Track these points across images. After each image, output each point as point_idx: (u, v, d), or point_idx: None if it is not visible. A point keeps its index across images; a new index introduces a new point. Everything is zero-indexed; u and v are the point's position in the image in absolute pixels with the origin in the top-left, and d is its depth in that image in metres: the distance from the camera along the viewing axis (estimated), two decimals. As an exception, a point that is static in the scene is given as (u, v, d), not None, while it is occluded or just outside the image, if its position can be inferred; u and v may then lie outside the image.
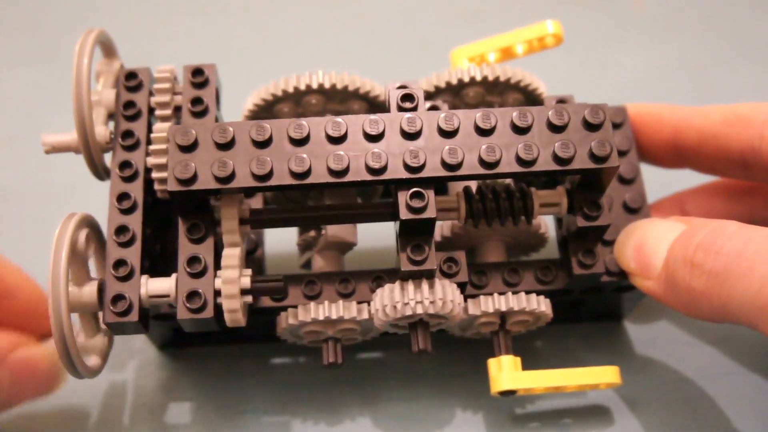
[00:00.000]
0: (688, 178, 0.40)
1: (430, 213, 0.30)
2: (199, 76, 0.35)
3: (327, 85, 0.35)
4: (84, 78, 0.33)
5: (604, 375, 0.33)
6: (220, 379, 0.39)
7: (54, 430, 0.38)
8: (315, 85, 0.35)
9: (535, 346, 0.40)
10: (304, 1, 0.54)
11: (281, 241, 0.41)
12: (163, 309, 0.34)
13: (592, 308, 0.39)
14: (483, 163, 0.30)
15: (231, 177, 0.30)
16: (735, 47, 0.51)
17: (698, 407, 0.38)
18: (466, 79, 0.35)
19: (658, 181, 0.40)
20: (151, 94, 0.35)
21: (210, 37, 0.53)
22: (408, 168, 0.30)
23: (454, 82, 0.35)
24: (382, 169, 0.30)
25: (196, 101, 0.34)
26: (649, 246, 0.32)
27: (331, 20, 0.53)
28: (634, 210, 0.36)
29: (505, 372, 0.33)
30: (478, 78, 0.35)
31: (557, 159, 0.31)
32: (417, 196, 0.30)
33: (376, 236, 0.39)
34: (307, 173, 0.30)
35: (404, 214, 0.30)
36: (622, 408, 0.38)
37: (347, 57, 0.51)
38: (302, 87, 0.35)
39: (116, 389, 0.39)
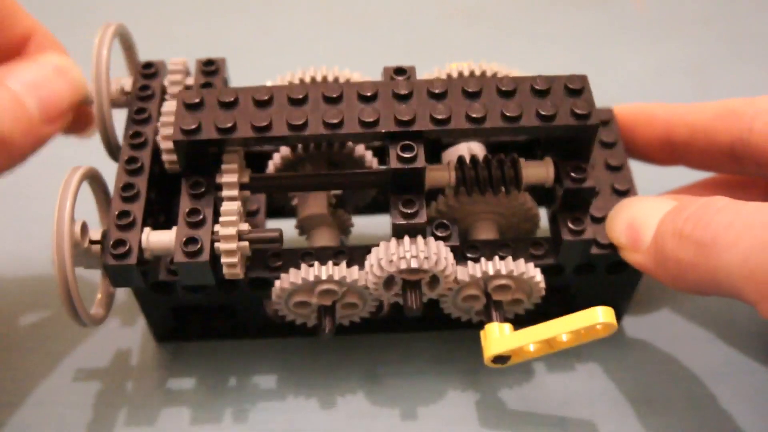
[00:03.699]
0: (685, 177, 0.41)
1: (419, 163, 0.32)
2: (209, 66, 0.38)
3: (319, 80, 0.38)
4: (103, 68, 0.36)
5: (596, 316, 0.31)
6: (219, 374, 0.39)
7: (53, 428, 0.37)
8: (308, 80, 0.38)
9: (533, 347, 0.40)
10: (304, 2, 0.57)
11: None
12: (162, 275, 0.35)
13: (588, 301, 0.39)
14: (470, 118, 0.32)
15: (232, 129, 0.32)
16: (735, 47, 0.52)
17: (699, 405, 0.37)
18: (456, 76, 0.38)
19: (652, 179, 0.41)
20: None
21: (213, 37, 0.55)
22: (398, 122, 0.32)
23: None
24: (374, 123, 0.32)
25: (206, 86, 0.37)
26: (640, 220, 0.33)
27: (331, 20, 0.56)
28: (623, 192, 0.37)
29: (495, 336, 0.33)
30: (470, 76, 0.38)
31: (540, 116, 0.32)
32: (407, 148, 0.32)
33: (375, 230, 0.40)
34: (303, 125, 0.32)
35: (395, 164, 0.32)
36: (621, 406, 0.37)
37: (347, 57, 0.52)
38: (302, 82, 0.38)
39: (115, 385, 0.39)
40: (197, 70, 0.38)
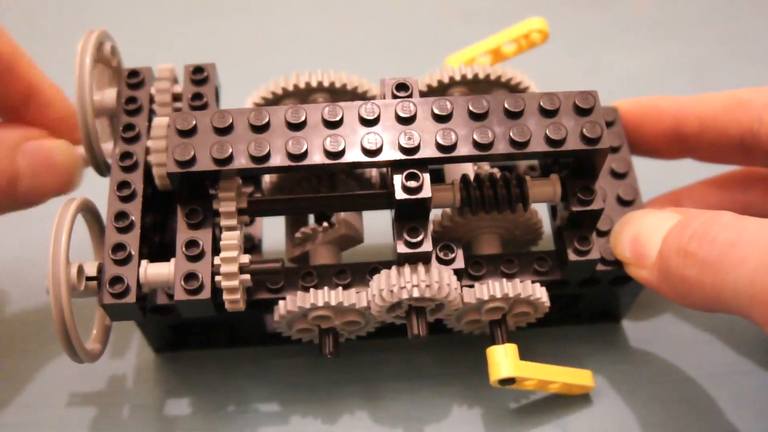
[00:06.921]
0: (684, 175, 0.40)
1: (425, 193, 0.31)
2: (199, 74, 0.36)
3: (326, 84, 0.36)
4: (86, 76, 0.34)
5: (588, 379, 0.36)
6: (218, 381, 0.39)
7: (53, 429, 0.37)
8: (314, 84, 0.36)
9: (534, 348, 0.40)
10: (303, 2, 0.55)
11: (279, 243, 0.41)
12: (160, 300, 0.34)
13: (590, 306, 0.39)
14: (477, 144, 0.31)
15: (229, 159, 0.31)
16: (735, 47, 0.52)
17: (698, 406, 0.38)
18: (458, 78, 0.36)
19: (653, 179, 0.40)
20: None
21: (208, 40, 0.53)
22: (403, 150, 0.31)
23: (446, 80, 0.36)
24: (378, 151, 0.31)
25: (196, 96, 0.35)
26: (645, 236, 0.33)
27: (330, 21, 0.54)
28: (628, 202, 0.36)
29: (508, 359, 0.33)
30: (469, 76, 0.36)
31: (549, 141, 0.31)
32: (412, 177, 0.31)
33: (374, 234, 0.40)
34: (303, 155, 0.31)
35: (400, 195, 0.30)
36: (621, 408, 0.38)
37: (346, 56, 0.51)
38: (302, 85, 0.36)
39: (114, 393, 0.38)
40: (186, 78, 0.36)
